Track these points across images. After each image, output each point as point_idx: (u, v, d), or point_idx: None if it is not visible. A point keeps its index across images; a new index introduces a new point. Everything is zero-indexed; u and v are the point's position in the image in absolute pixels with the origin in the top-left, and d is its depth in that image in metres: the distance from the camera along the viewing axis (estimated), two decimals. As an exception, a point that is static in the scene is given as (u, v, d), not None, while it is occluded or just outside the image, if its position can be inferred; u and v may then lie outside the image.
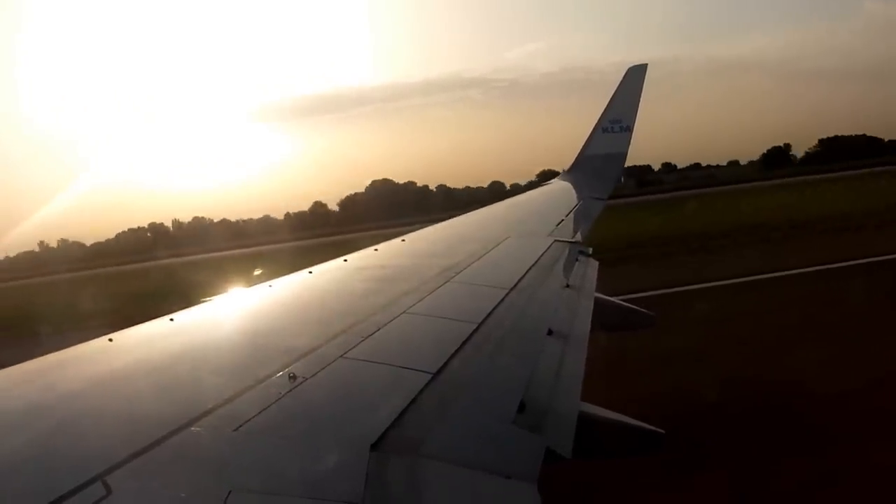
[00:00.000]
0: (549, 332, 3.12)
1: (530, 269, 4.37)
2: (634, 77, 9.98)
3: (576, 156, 10.29)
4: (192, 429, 1.93)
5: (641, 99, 9.92)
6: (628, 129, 9.84)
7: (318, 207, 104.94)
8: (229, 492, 1.60)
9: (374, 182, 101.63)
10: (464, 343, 2.78)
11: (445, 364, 2.52)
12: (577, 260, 5.15)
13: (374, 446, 1.87)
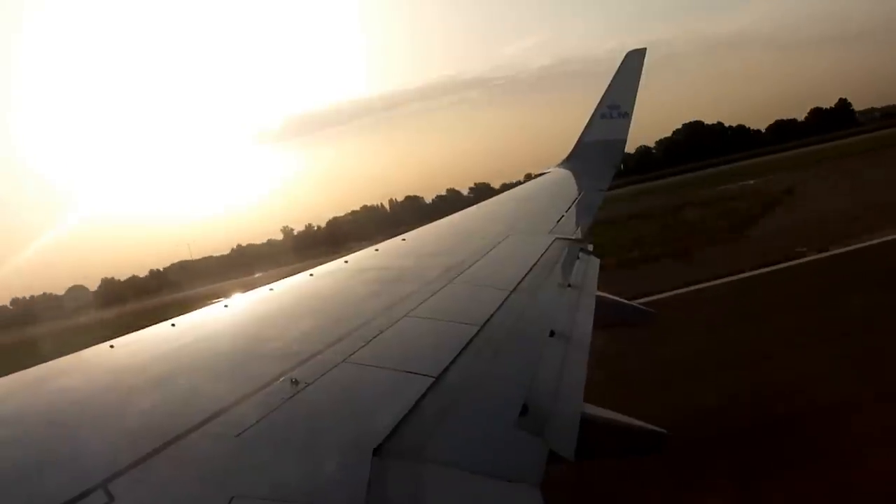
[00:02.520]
0: (551, 334, 3.12)
1: (531, 269, 4.36)
2: (633, 62, 9.82)
3: (574, 143, 10.20)
4: (194, 435, 1.93)
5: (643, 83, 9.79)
6: (627, 115, 9.68)
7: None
8: (231, 498, 1.60)
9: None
10: (466, 346, 2.77)
11: (447, 368, 2.52)
12: (577, 258, 5.14)
13: (377, 452, 1.87)
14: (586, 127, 10.01)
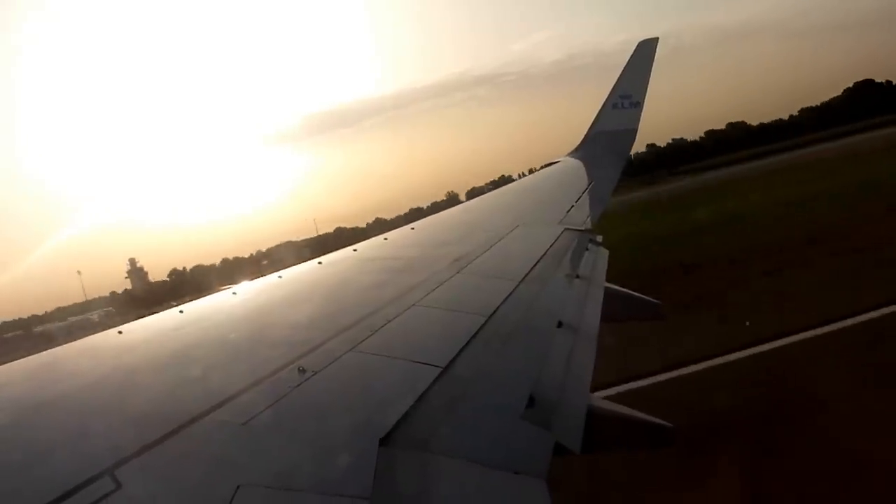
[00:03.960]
0: (559, 325, 3.10)
1: (540, 259, 4.34)
2: (644, 52, 9.73)
3: (585, 132, 10.12)
4: (201, 423, 1.93)
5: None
6: (638, 105, 9.60)
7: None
8: (238, 486, 1.61)
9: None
10: (473, 336, 2.76)
11: (455, 358, 2.51)
12: (586, 249, 5.11)
13: (383, 441, 1.87)
14: (597, 117, 9.92)
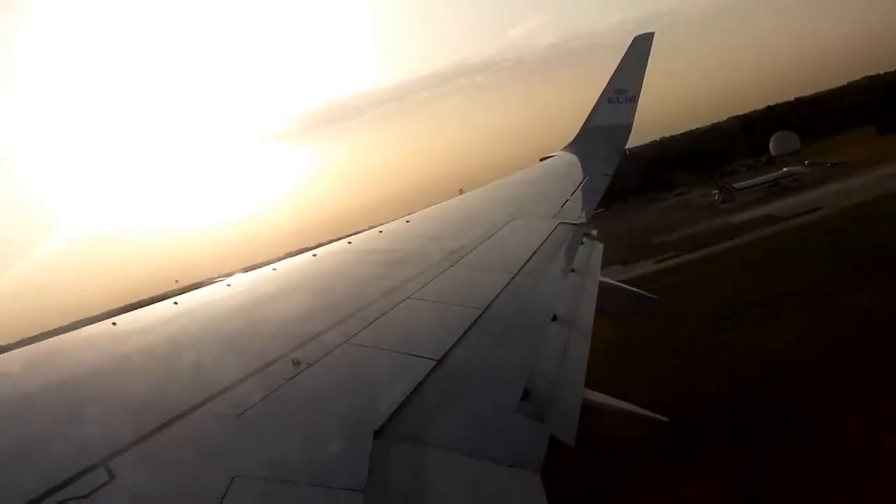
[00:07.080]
0: (554, 318, 3.11)
1: (535, 253, 4.33)
2: (640, 47, 9.73)
3: (580, 126, 10.09)
4: (195, 414, 1.93)
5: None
6: (633, 100, 9.63)
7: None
8: (232, 478, 1.61)
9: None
10: (468, 329, 2.76)
11: (449, 351, 2.51)
12: (581, 243, 5.10)
13: (378, 434, 1.87)
14: (592, 111, 9.92)
